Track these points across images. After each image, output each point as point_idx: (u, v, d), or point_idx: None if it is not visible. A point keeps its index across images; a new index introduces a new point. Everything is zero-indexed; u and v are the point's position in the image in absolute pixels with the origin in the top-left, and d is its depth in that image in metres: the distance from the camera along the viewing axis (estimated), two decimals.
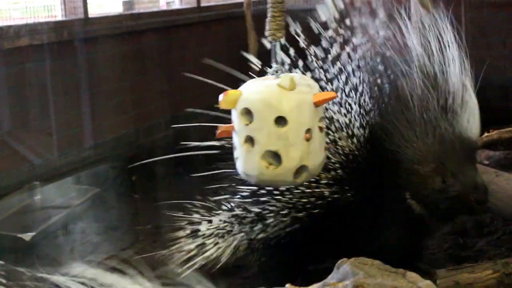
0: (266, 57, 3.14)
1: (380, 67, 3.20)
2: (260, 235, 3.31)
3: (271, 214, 3.23)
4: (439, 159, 3.01)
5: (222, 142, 3.34)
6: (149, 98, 5.98)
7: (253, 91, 2.40)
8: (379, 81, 3.20)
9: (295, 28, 3.20)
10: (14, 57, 4.68)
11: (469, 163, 3.04)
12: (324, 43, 3.22)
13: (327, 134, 3.10)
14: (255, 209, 3.28)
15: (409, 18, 3.15)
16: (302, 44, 3.23)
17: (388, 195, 3.12)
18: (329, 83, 3.22)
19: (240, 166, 2.46)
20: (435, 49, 3.07)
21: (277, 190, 3.17)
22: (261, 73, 2.85)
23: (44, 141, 4.92)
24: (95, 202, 4.69)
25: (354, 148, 3.17)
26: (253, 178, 2.45)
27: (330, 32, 3.21)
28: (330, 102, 3.13)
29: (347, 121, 3.17)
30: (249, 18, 7.05)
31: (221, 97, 2.42)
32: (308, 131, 2.38)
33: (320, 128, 2.44)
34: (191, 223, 3.48)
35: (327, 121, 3.13)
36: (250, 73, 3.12)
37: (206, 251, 3.37)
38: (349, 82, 3.18)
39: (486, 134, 4.87)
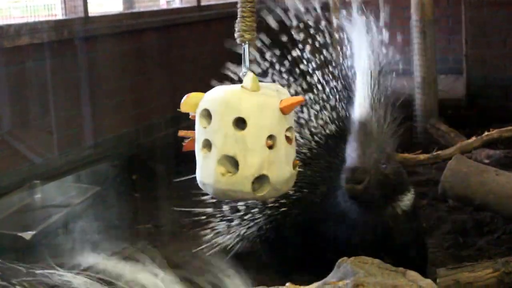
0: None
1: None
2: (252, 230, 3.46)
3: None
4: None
5: None
6: (149, 97, 5.98)
7: (215, 92, 2.26)
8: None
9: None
10: (15, 56, 4.68)
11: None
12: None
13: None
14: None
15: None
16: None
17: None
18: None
19: (198, 175, 2.28)
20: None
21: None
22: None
23: (44, 140, 4.92)
24: (96, 201, 4.69)
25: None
26: (209, 188, 2.24)
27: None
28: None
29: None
30: None
31: (183, 99, 2.28)
32: (271, 137, 2.18)
33: (288, 138, 2.23)
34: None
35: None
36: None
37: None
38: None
39: (486, 133, 4.88)
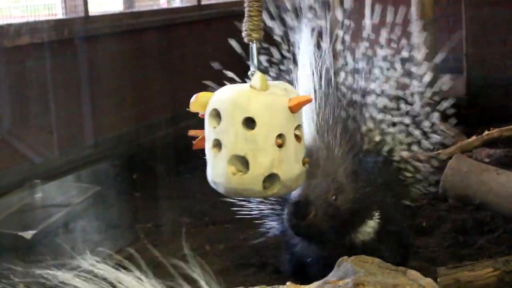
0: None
1: None
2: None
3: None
4: None
5: None
6: (149, 97, 5.98)
7: (224, 92, 2.27)
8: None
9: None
10: (15, 55, 4.68)
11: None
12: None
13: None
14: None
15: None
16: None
17: None
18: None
19: (209, 174, 2.30)
20: None
21: None
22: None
23: (44, 140, 4.92)
24: (96, 200, 4.69)
25: None
26: (220, 187, 2.28)
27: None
28: None
29: None
30: None
31: (192, 99, 2.31)
32: (281, 136, 2.21)
33: (297, 137, 2.27)
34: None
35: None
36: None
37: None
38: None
39: (486, 132, 4.88)
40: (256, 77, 2.24)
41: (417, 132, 3.06)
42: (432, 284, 2.16)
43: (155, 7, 6.69)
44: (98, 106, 5.38)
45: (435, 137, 3.10)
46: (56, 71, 4.95)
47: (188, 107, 2.34)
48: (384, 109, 2.99)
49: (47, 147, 4.93)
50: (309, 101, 2.31)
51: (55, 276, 1.99)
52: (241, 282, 3.45)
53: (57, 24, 5.07)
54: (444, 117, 3.18)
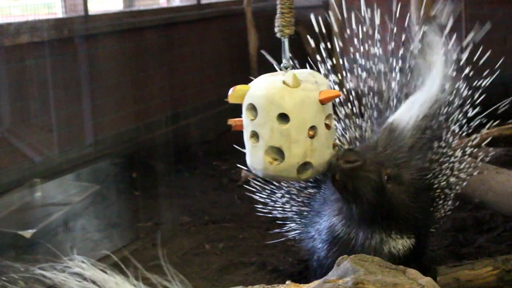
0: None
1: None
2: None
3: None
4: None
5: None
6: (149, 95, 5.98)
7: (259, 87, 2.42)
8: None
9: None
10: (15, 54, 4.68)
11: None
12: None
13: None
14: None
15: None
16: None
17: None
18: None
19: (248, 160, 2.50)
20: None
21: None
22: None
23: (44, 138, 4.92)
24: (96, 199, 4.69)
25: None
26: (259, 172, 2.49)
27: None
28: None
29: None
30: (249, 15, 7.05)
31: (229, 91, 2.46)
32: (312, 128, 2.39)
33: (327, 126, 2.45)
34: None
35: None
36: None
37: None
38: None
39: (486, 130, 4.87)
40: (289, 76, 2.39)
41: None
42: (431, 283, 2.16)
43: (155, 6, 6.69)
44: (97, 104, 5.38)
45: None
46: (56, 70, 4.95)
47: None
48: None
49: (47, 145, 4.93)
50: (337, 95, 2.51)
51: (51, 275, 2.00)
52: (241, 281, 3.45)
53: (57, 23, 5.07)
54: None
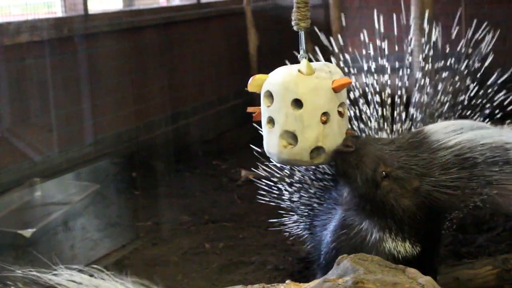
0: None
1: None
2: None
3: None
4: None
5: None
6: (149, 95, 5.98)
7: (275, 76, 2.56)
8: None
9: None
10: (14, 53, 4.68)
11: None
12: None
13: None
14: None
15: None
16: None
17: None
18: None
19: (265, 145, 2.61)
20: None
21: None
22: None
23: (44, 138, 4.92)
24: (96, 198, 4.69)
25: None
26: (274, 157, 2.60)
27: None
28: None
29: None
30: (249, 14, 7.06)
31: (249, 80, 2.58)
32: (325, 114, 2.50)
33: (340, 113, 2.56)
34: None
35: None
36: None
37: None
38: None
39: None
40: (303, 64, 2.53)
41: None
42: (431, 282, 2.15)
43: (154, 5, 6.69)
44: (97, 104, 5.38)
45: None
46: (55, 69, 4.95)
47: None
48: None
49: (47, 145, 4.93)
50: (349, 83, 2.59)
51: (49, 277, 2.00)
52: (240, 280, 3.45)
53: (56, 22, 5.07)
54: None
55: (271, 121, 2.56)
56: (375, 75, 3.08)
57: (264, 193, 3.19)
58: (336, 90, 2.53)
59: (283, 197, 3.13)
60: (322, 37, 3.20)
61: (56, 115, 4.97)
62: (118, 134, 5.59)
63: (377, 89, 3.05)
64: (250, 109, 2.67)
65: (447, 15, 7.37)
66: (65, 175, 4.92)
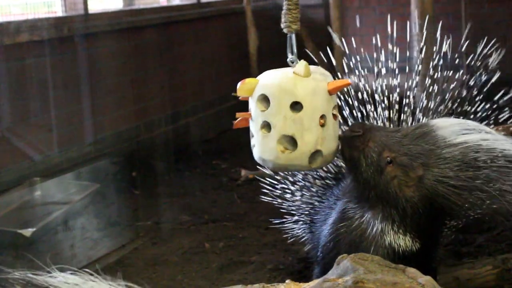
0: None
1: None
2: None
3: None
4: None
5: None
6: (149, 94, 5.98)
7: (270, 78, 2.50)
8: None
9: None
10: (14, 53, 4.68)
11: None
12: None
13: None
14: None
15: None
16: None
17: None
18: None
19: (257, 152, 2.53)
20: None
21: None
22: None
23: (44, 137, 4.92)
24: (95, 198, 4.69)
25: None
26: (269, 163, 2.52)
27: None
28: None
29: None
30: (249, 14, 7.06)
31: (238, 85, 2.50)
32: (323, 117, 2.46)
33: (334, 116, 2.53)
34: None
35: None
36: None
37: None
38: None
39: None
40: (301, 65, 2.48)
41: None
42: (431, 282, 2.15)
43: (154, 5, 6.69)
44: (97, 103, 5.38)
45: None
46: (55, 68, 4.95)
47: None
48: None
49: (47, 144, 4.93)
50: (347, 84, 2.59)
51: (45, 279, 2.00)
52: (240, 279, 3.45)
53: (56, 22, 5.07)
54: None
55: (266, 125, 2.48)
56: (382, 77, 3.06)
57: (267, 191, 3.19)
58: (332, 92, 2.49)
59: (286, 195, 3.13)
60: (335, 38, 3.16)
61: (56, 114, 4.97)
62: (118, 134, 5.59)
63: (384, 91, 3.02)
64: (239, 115, 2.58)
65: (447, 15, 7.38)
66: (65, 174, 4.92)
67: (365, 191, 2.64)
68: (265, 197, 3.20)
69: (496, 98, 3.15)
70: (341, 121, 2.94)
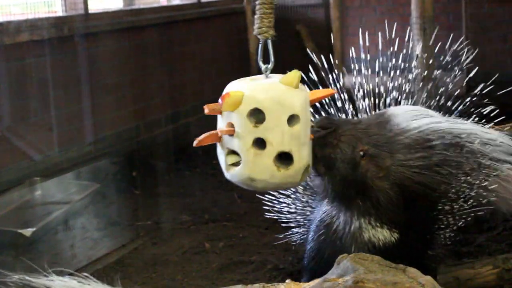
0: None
1: None
2: None
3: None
4: None
5: None
6: (149, 94, 5.98)
7: (259, 90, 2.26)
8: None
9: None
10: (15, 52, 4.68)
11: None
12: None
13: None
14: None
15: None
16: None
17: None
18: None
19: (243, 172, 2.27)
20: None
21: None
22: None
23: (44, 137, 4.92)
24: (96, 197, 4.69)
25: None
26: (259, 184, 2.28)
27: None
28: None
29: None
30: (249, 13, 7.06)
31: (221, 100, 2.26)
32: (311, 128, 2.37)
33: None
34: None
35: None
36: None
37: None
38: None
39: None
40: (294, 76, 2.28)
41: None
42: (431, 281, 2.16)
43: (155, 5, 6.69)
44: (97, 103, 5.38)
45: None
46: (55, 68, 4.95)
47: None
48: None
49: (47, 144, 4.93)
50: (332, 93, 2.50)
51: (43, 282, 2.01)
52: (240, 279, 3.45)
53: (57, 22, 5.07)
54: None
55: (257, 142, 2.23)
56: (381, 75, 3.06)
57: (267, 207, 3.18)
58: (312, 102, 2.36)
59: (283, 210, 3.13)
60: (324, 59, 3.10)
61: (56, 114, 4.97)
62: (118, 133, 5.59)
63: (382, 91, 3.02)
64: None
65: (447, 15, 7.38)
66: (65, 174, 4.92)
67: (343, 189, 2.61)
68: (264, 198, 3.20)
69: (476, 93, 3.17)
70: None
